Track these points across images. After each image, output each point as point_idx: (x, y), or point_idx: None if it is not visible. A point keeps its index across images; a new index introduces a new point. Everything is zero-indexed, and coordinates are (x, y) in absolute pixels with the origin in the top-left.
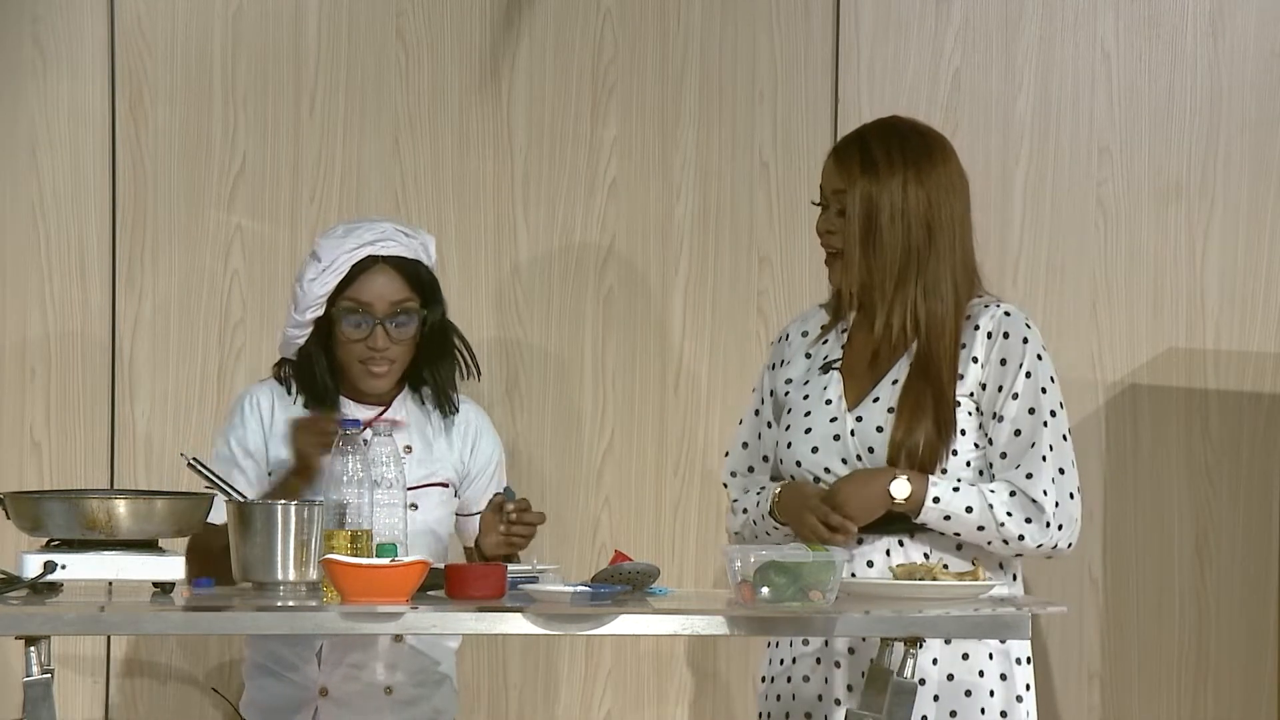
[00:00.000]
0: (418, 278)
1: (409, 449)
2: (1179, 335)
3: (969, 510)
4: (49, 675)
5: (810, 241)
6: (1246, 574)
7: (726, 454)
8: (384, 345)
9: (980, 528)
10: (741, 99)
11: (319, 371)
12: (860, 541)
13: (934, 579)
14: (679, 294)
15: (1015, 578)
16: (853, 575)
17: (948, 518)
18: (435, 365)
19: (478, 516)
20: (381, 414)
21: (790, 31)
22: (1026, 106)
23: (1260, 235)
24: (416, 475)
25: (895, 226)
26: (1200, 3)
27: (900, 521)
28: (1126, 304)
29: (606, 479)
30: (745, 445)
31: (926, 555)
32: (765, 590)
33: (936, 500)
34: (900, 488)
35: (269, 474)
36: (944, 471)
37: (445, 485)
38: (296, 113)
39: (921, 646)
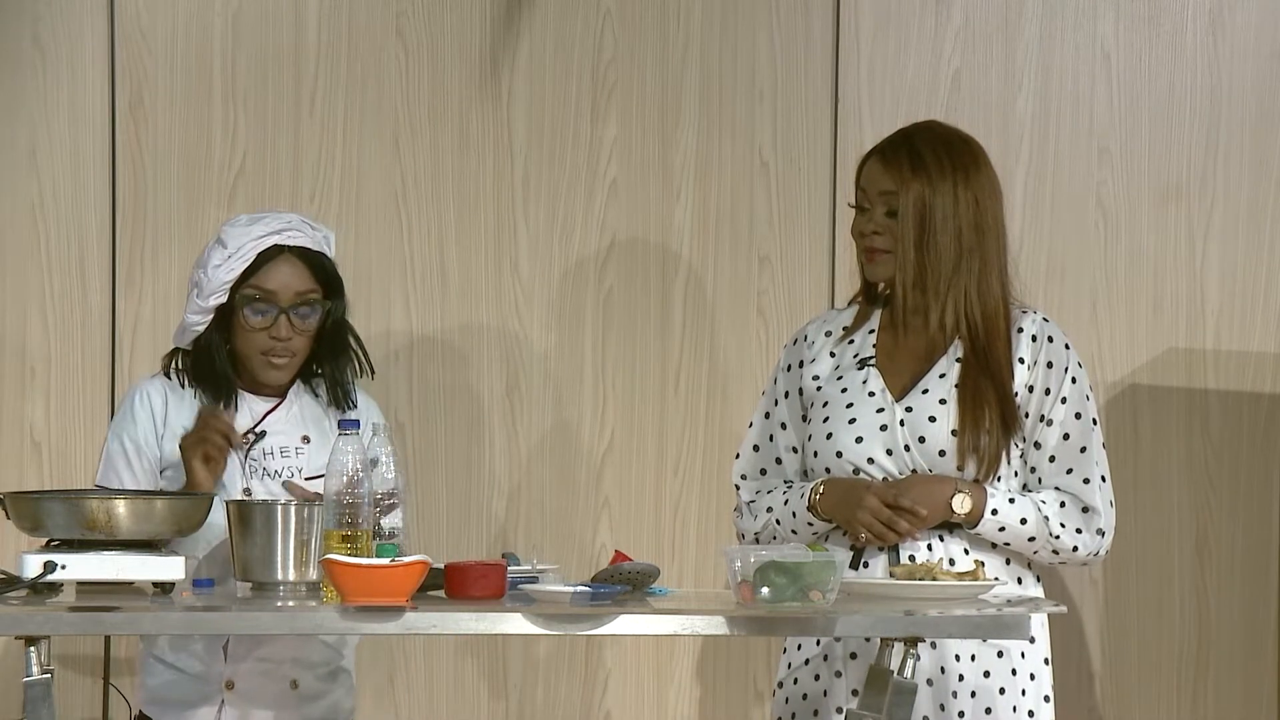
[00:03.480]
0: (322, 270)
1: (306, 439)
2: (1179, 335)
3: (1023, 522)
4: (49, 675)
5: (810, 241)
6: (1246, 574)
7: (737, 456)
8: (287, 335)
9: (1032, 538)
10: (741, 99)
11: (219, 362)
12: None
13: (934, 579)
14: (679, 294)
15: (1039, 579)
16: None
17: (1002, 529)
18: (334, 360)
19: None
20: (276, 406)
21: (790, 31)
22: (1026, 106)
23: (1260, 235)
24: (316, 465)
25: (948, 228)
26: (1200, 3)
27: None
28: (1126, 304)
29: (606, 479)
30: (756, 449)
31: (967, 550)
32: (765, 590)
33: (994, 513)
34: (961, 503)
35: (161, 471)
36: (1009, 462)
37: None
38: (296, 113)
39: (934, 646)
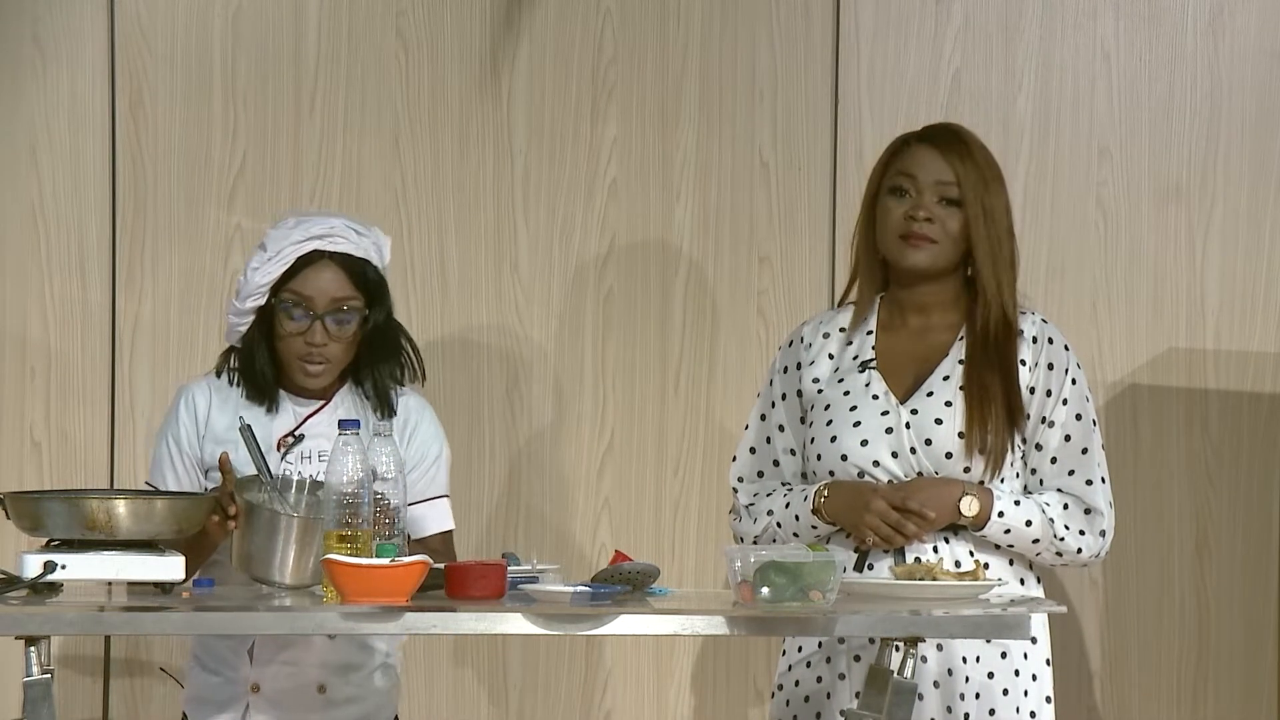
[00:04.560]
0: (363, 277)
1: None
2: (1179, 335)
3: (1029, 524)
4: (49, 675)
5: (810, 241)
6: (1246, 574)
7: (734, 458)
8: (321, 341)
9: (1036, 540)
10: (741, 99)
11: (259, 363)
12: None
13: (934, 579)
14: (679, 294)
15: (1039, 580)
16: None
17: (1008, 531)
18: (376, 366)
19: (418, 506)
20: (319, 409)
21: (790, 31)
22: (1026, 106)
23: (1260, 235)
24: None
25: (995, 224)
26: (1200, 3)
27: None
28: (1126, 304)
29: (606, 479)
30: (753, 450)
31: (971, 553)
32: (765, 590)
33: (1001, 515)
34: (969, 505)
35: (206, 473)
36: (1012, 463)
37: None
38: (296, 113)
39: (940, 649)
